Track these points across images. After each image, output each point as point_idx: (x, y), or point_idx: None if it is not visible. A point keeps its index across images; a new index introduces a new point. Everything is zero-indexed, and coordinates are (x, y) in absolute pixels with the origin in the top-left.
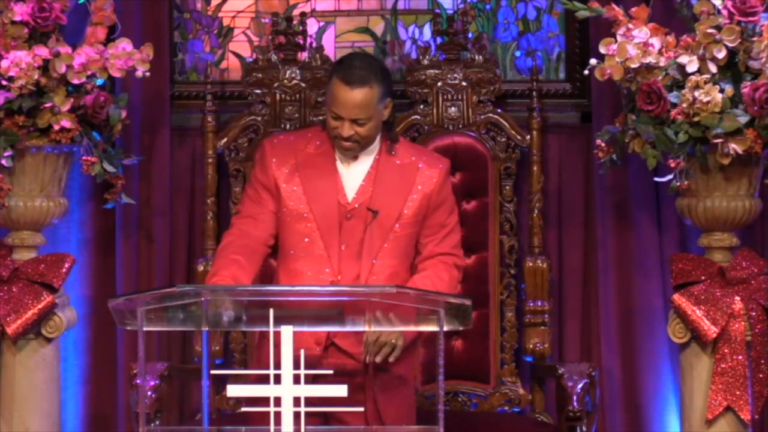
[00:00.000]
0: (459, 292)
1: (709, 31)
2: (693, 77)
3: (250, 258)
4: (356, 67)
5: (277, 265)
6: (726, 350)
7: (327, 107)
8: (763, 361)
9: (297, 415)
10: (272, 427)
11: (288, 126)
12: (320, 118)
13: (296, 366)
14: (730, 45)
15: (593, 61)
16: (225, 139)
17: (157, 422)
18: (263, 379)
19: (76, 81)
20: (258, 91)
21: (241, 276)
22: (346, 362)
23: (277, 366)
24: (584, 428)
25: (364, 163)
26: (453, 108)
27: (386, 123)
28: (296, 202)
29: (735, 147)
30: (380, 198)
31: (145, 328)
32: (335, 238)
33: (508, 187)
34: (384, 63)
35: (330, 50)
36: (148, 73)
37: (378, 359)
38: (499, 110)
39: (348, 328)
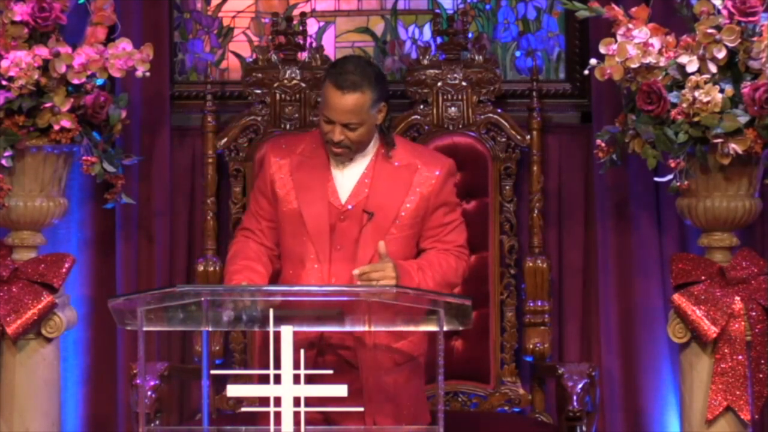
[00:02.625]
0: (463, 279)
1: (709, 31)
2: (693, 77)
3: (262, 263)
4: (349, 71)
5: (282, 270)
6: (726, 350)
7: (320, 110)
8: (763, 361)
9: (297, 415)
10: (272, 427)
11: (288, 126)
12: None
13: (296, 366)
14: (730, 45)
15: (593, 61)
16: (225, 139)
17: (157, 422)
18: (264, 379)
19: (76, 81)
20: (258, 91)
21: (256, 278)
22: (342, 364)
23: (277, 366)
24: (584, 428)
25: (360, 165)
26: (453, 108)
27: (382, 127)
28: (289, 206)
29: (735, 147)
30: (376, 200)
31: (145, 328)
32: (326, 241)
33: (508, 187)
34: (379, 67)
35: (330, 50)
36: (148, 73)
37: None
38: (499, 110)
39: (348, 328)
